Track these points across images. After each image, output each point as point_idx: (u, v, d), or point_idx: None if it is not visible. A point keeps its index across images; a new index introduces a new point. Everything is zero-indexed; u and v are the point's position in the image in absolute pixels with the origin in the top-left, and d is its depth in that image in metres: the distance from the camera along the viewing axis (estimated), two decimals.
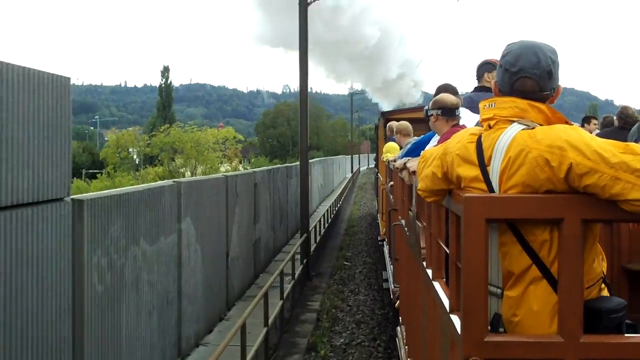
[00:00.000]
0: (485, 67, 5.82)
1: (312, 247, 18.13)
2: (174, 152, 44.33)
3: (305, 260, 16.37)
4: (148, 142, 48.64)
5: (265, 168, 17.34)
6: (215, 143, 45.78)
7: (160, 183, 8.59)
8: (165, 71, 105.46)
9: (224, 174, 12.53)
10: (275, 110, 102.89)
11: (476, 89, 5.96)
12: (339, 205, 32.73)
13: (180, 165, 44.75)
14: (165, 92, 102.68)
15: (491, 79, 5.55)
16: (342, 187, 44.54)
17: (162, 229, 7.97)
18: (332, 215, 27.39)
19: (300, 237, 16.75)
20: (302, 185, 17.27)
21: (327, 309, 13.93)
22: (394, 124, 9.53)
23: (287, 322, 12.59)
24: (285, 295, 12.15)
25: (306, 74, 16.42)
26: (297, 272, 14.78)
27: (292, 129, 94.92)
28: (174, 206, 8.49)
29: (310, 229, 17.67)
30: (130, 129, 55.22)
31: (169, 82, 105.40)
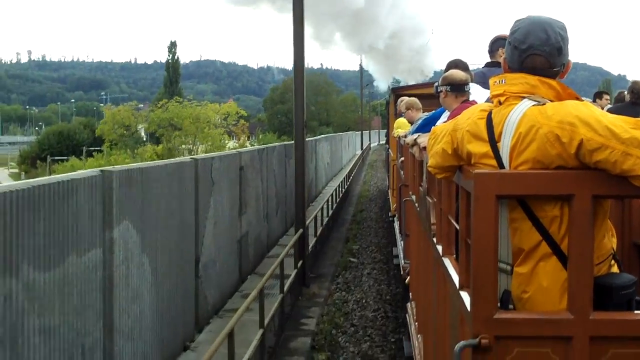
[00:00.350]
0: (499, 43, 5.81)
1: (312, 243, 15.40)
2: (173, 128, 43.08)
3: (300, 263, 13.18)
4: (146, 118, 47.46)
5: (255, 148, 15.67)
6: (219, 119, 44.83)
7: (71, 175, 5.97)
8: (173, 46, 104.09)
9: (193, 157, 10.15)
10: (284, 85, 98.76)
11: (488, 64, 5.93)
12: (346, 186, 29.72)
13: (180, 143, 43.33)
14: (173, 68, 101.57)
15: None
16: (351, 165, 41.40)
17: (74, 243, 5.55)
18: (338, 199, 24.26)
19: (295, 232, 13.59)
20: (297, 171, 14.27)
21: (325, 331, 10.99)
22: (405, 99, 9.45)
23: (272, 353, 9.52)
24: (266, 323, 8.86)
25: (302, 40, 13.92)
26: (289, 280, 11.67)
27: None
28: (96, 208, 6.05)
29: (308, 222, 14.60)
30: (130, 103, 53.32)
31: (176, 57, 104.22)
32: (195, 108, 43.55)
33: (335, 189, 24.01)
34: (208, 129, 43.55)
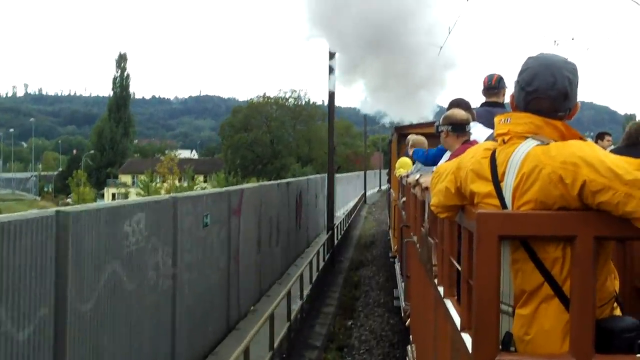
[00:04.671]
0: (502, 82, 5.96)
1: None
2: None
3: None
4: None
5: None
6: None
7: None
8: (122, 60, 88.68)
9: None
10: (250, 107, 74.27)
11: (484, 105, 5.98)
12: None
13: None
14: (121, 87, 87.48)
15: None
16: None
17: None
18: None
19: None
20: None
21: None
22: (412, 137, 9.38)
23: None
24: None
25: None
26: None
27: (272, 133, 71.81)
28: None
29: None
30: None
31: (125, 73, 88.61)
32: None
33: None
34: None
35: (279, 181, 19.17)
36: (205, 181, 58.16)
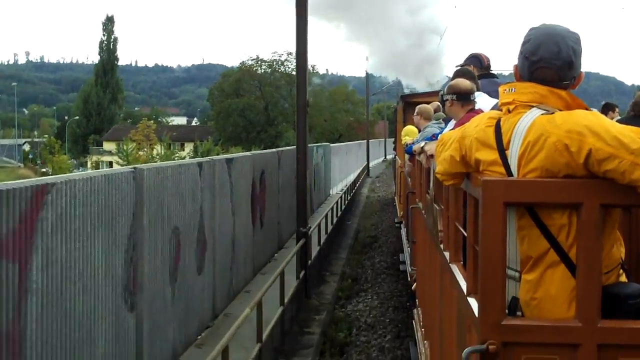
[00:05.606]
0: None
1: None
2: None
3: None
4: None
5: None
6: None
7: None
8: (109, 22, 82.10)
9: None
10: (241, 71, 65.93)
11: (480, 77, 6.00)
12: None
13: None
14: (107, 51, 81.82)
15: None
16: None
17: None
18: None
19: None
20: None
21: None
22: (419, 107, 9.33)
23: None
24: None
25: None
26: None
27: (266, 99, 63.54)
28: None
29: None
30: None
31: (112, 37, 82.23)
32: None
33: None
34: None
35: (208, 158, 10.77)
36: (195, 150, 52.14)
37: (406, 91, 33.10)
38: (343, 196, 23.61)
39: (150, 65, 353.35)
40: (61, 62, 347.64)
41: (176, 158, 45.06)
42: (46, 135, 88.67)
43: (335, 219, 19.20)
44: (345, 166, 35.87)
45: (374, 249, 18.96)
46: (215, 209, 9.71)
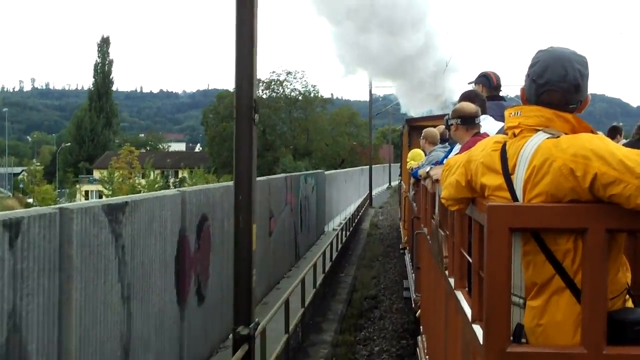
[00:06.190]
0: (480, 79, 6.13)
1: None
2: None
3: None
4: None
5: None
6: None
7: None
8: (104, 44, 79.12)
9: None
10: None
11: (488, 99, 6.01)
12: None
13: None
14: (102, 74, 78.57)
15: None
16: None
17: None
18: None
19: None
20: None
21: None
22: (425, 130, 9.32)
23: None
24: None
25: None
26: None
27: (264, 122, 55.58)
28: None
29: None
30: None
31: (107, 59, 79.19)
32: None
33: None
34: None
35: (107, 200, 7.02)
36: (181, 180, 50.62)
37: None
38: (340, 234, 20.36)
39: (155, 91, 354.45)
40: (66, 88, 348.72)
41: (158, 187, 43.48)
42: (37, 164, 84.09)
43: (322, 276, 14.38)
44: (344, 196, 32.48)
45: (374, 322, 13.65)
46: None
